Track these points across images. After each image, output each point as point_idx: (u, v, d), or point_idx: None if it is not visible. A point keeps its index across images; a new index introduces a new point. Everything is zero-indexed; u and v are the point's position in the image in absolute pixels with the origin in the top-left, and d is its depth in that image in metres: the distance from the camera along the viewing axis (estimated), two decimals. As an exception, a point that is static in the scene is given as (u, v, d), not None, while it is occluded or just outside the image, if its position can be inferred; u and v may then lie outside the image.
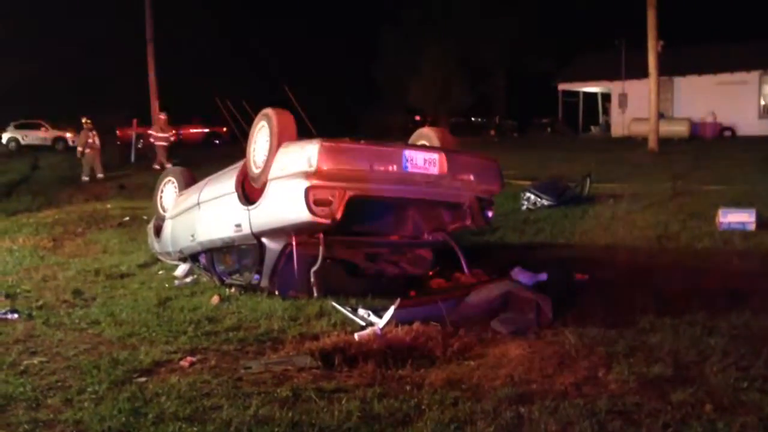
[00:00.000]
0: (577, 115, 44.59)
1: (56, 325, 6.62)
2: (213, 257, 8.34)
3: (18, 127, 41.51)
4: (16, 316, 6.92)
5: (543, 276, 7.29)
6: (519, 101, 47.72)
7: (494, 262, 8.19)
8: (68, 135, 41.49)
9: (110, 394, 4.69)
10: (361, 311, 6.34)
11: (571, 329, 5.75)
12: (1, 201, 18.78)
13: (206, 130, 40.11)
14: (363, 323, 6.08)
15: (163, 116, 26.12)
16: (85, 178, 22.96)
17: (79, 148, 23.28)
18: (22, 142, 40.80)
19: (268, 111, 7.40)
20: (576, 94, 44.32)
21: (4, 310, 7.05)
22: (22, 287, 8.38)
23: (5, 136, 41.23)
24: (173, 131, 26.75)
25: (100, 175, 23.20)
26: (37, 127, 41.69)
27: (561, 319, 6.06)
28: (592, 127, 43.64)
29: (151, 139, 25.74)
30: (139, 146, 30.55)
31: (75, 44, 45.56)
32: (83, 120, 23.75)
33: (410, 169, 6.96)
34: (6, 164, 29.74)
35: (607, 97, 42.95)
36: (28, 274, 9.27)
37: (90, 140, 23.00)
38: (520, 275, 7.27)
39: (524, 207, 12.39)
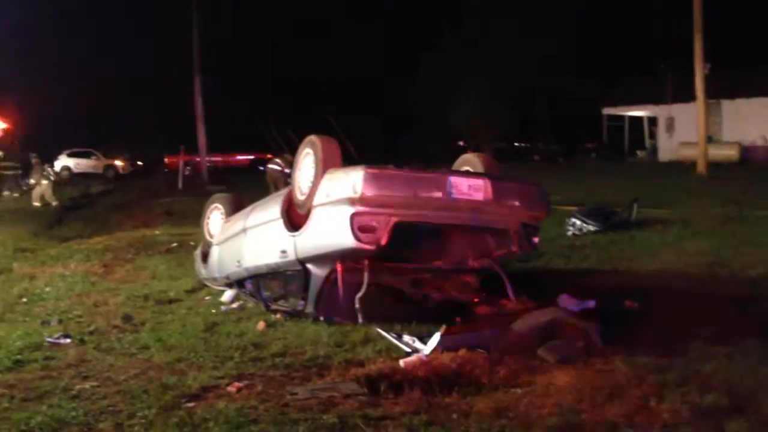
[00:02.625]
0: (623, 139, 44.13)
1: (107, 350, 6.74)
2: (259, 283, 8.42)
3: (70, 156, 42.70)
4: (68, 340, 7.06)
5: (591, 303, 7.19)
6: (563, 126, 47.42)
7: (540, 289, 8.10)
8: (118, 163, 42.53)
9: (160, 419, 4.75)
10: (406, 338, 6.33)
11: (621, 357, 5.65)
12: (54, 228, 19.25)
13: (251, 157, 40.70)
14: (408, 350, 6.06)
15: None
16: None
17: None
18: (75, 170, 41.90)
19: (313, 138, 7.50)
20: (621, 118, 43.91)
21: (56, 335, 7.19)
22: (74, 312, 8.54)
23: (58, 165, 42.35)
24: None
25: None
26: (88, 155, 42.86)
27: (610, 347, 5.96)
28: (638, 152, 43.14)
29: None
30: (186, 173, 31.12)
31: (125, 75, 46.79)
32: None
33: (455, 196, 6.96)
34: (59, 192, 30.48)
35: (653, 121, 42.47)
36: (79, 299, 9.44)
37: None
38: (566, 302, 7.18)
39: (570, 233, 12.26)
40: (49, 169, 28.31)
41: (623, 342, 6.05)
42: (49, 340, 7.05)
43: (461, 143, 46.81)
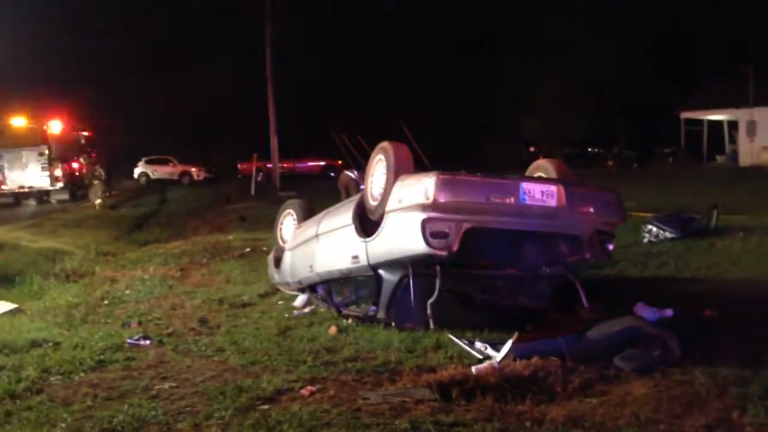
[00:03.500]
0: (701, 144, 42.86)
1: (184, 351, 6.93)
2: (331, 288, 8.50)
3: (148, 162, 44.07)
4: (148, 342, 7.29)
5: (668, 312, 7.01)
6: (639, 131, 46.32)
7: (615, 297, 7.94)
8: (194, 169, 43.65)
9: (236, 420, 4.85)
10: (478, 344, 6.29)
11: (700, 368, 5.48)
12: (134, 232, 19.90)
13: (322, 163, 41.16)
14: (480, 356, 6.03)
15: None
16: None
17: None
18: (152, 177, 43.22)
19: (386, 144, 7.54)
20: (700, 122, 42.65)
21: (136, 337, 7.43)
22: (153, 315, 8.81)
23: (137, 171, 43.79)
24: None
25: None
26: (165, 162, 44.16)
27: (689, 357, 5.79)
28: (718, 157, 41.81)
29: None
30: (259, 179, 31.67)
31: (198, 82, 47.97)
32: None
33: (527, 202, 6.91)
34: (138, 198, 31.51)
35: (733, 125, 41.12)
36: (158, 302, 9.72)
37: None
38: (643, 310, 7.02)
39: (646, 240, 11.96)
40: (100, 170, 29.31)
41: (702, 352, 5.87)
42: (130, 341, 7.29)
43: (533, 149, 46.27)
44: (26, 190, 28.34)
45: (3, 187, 28.11)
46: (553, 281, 7.77)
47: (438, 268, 6.97)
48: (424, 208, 6.69)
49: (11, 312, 9.04)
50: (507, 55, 44.61)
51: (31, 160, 28.10)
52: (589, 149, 49.97)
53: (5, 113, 29.00)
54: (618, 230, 8.21)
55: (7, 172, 28.07)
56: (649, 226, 12.12)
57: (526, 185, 6.95)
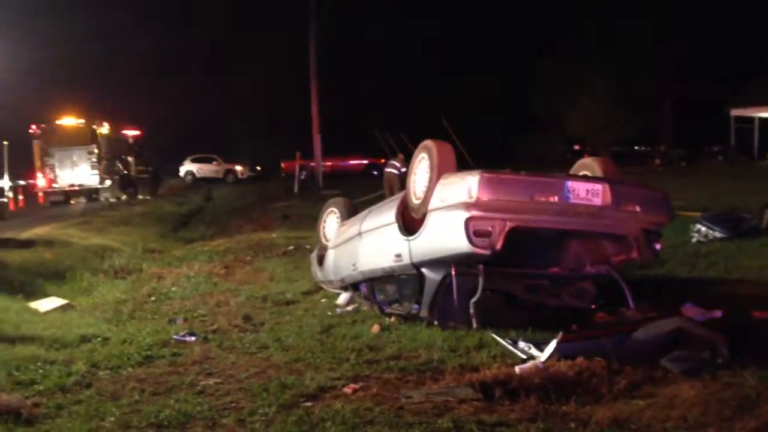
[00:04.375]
0: (752, 141, 41.83)
1: (229, 348, 7.01)
2: (374, 286, 8.51)
3: (194, 161, 44.66)
4: (193, 338, 7.39)
5: (717, 313, 6.87)
6: (687, 128, 45.36)
7: (662, 297, 7.80)
8: (238, 168, 44.14)
9: (279, 417, 4.89)
10: (522, 344, 6.23)
11: (750, 370, 5.34)
12: (180, 230, 20.20)
13: (366, 162, 41.22)
14: (524, 356, 5.97)
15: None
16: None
17: None
18: (198, 175, 43.81)
19: (428, 143, 7.53)
20: (750, 119, 41.64)
21: (182, 333, 7.54)
22: (198, 311, 8.94)
23: (183, 170, 44.41)
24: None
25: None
26: (210, 161, 44.69)
27: (738, 359, 5.66)
28: (769, 155, 40.74)
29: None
30: (302, 178, 31.86)
31: (244, 82, 48.47)
32: None
33: (572, 200, 6.84)
34: (183, 196, 31.97)
35: (786, 122, 40.03)
36: (203, 299, 9.86)
37: None
38: (691, 311, 6.88)
39: (694, 239, 11.73)
40: (120, 165, 29.77)
41: (752, 354, 5.72)
42: (176, 337, 7.41)
43: (578, 147, 45.68)
44: (76, 188, 28.96)
45: (54, 185, 28.77)
46: (598, 281, 7.68)
47: (481, 267, 6.94)
48: (467, 206, 6.67)
49: (62, 308, 9.24)
50: (551, 53, 44.15)
51: (81, 159, 28.71)
52: (636, 147, 49.10)
53: (56, 113, 29.68)
54: (665, 230, 8.07)
55: (58, 171, 28.72)
56: (698, 226, 11.88)
57: (570, 184, 6.88)
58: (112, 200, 27.27)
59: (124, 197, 29.04)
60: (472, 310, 6.97)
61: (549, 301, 7.51)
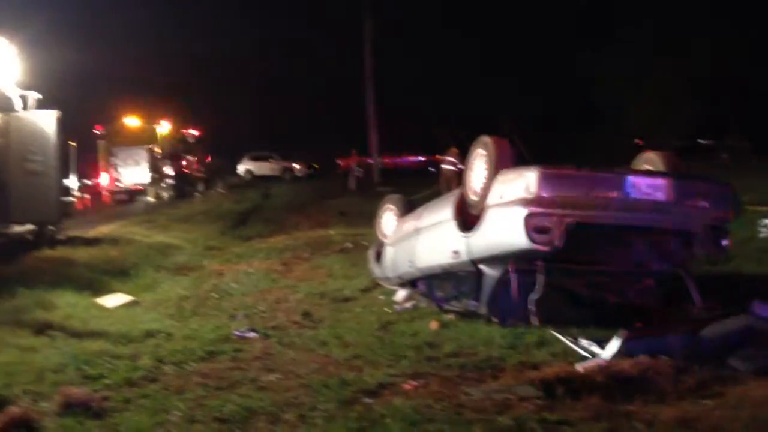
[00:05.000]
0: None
1: (289, 344, 7.09)
2: (431, 283, 8.50)
3: (252, 159, 45.26)
4: (254, 334, 7.49)
5: (788, 311, 6.64)
6: (757, 121, 43.90)
7: (730, 294, 7.58)
8: (295, 166, 44.58)
9: (340, 413, 4.91)
10: (584, 342, 6.14)
11: (823, 370, 5.17)
12: (238, 227, 20.49)
13: (422, 158, 41.16)
14: (586, 354, 5.89)
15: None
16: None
17: None
18: (256, 173, 44.39)
19: (486, 139, 7.49)
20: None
21: (243, 329, 7.66)
22: (258, 308, 9.06)
23: (241, 168, 45.04)
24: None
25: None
26: (268, 159, 45.20)
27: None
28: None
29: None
30: (359, 175, 32.00)
31: (301, 80, 48.92)
32: None
33: (634, 196, 6.72)
34: (242, 194, 32.42)
35: None
36: (262, 295, 9.98)
37: None
38: (760, 309, 6.67)
39: (763, 235, 11.37)
40: (160, 164, 30.13)
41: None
42: (237, 333, 7.52)
43: (639, 141, 44.71)
44: (139, 186, 29.67)
45: (118, 184, 29.52)
46: (662, 277, 7.51)
47: (541, 263, 6.86)
48: (526, 202, 6.61)
49: (128, 304, 9.48)
50: (610, 45, 43.30)
51: (144, 158, 29.39)
52: (701, 141, 47.79)
53: (119, 114, 30.45)
54: (733, 225, 7.84)
55: (121, 170, 29.46)
56: (766, 221, 11.53)
57: (632, 179, 6.77)
58: (151, 200, 27.86)
59: (166, 196, 29.51)
60: (531, 307, 6.90)
61: (611, 298, 7.37)
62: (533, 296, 6.90)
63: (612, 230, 7.07)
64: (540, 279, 6.87)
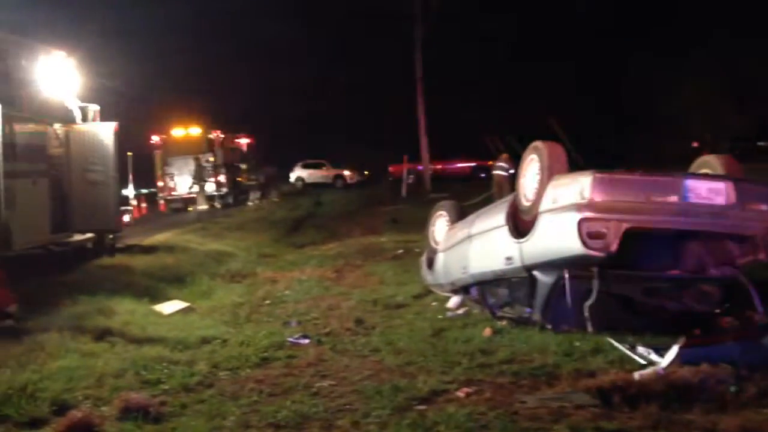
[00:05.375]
0: None
1: (342, 351, 7.12)
2: (484, 290, 8.44)
3: (304, 167, 45.67)
4: (307, 341, 7.55)
5: None
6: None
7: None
8: (346, 173, 44.83)
9: (393, 420, 4.92)
10: (641, 349, 6.03)
11: None
12: (291, 235, 20.69)
13: (473, 164, 40.97)
14: (643, 362, 5.78)
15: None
16: None
17: None
18: (307, 181, 44.76)
19: (538, 144, 7.43)
20: None
21: (297, 336, 7.72)
22: (311, 315, 9.12)
23: (293, 175, 45.48)
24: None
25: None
26: (319, 166, 45.56)
27: None
28: None
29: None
30: (410, 181, 31.99)
31: (352, 87, 49.18)
32: None
33: (692, 200, 6.59)
34: (294, 201, 32.74)
35: None
36: (315, 302, 10.05)
37: None
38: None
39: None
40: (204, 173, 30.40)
41: None
42: (291, 339, 7.59)
43: (696, 144, 43.75)
44: (194, 195, 30.17)
45: (173, 193, 30.07)
46: (722, 283, 7.32)
47: (596, 269, 6.76)
48: (580, 208, 6.54)
49: (183, 310, 9.63)
50: (663, 47, 42.50)
51: (198, 167, 29.86)
52: (760, 143, 46.50)
53: (175, 123, 31.04)
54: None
55: (176, 179, 30.00)
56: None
57: (690, 183, 6.64)
58: (200, 208, 28.30)
59: (219, 204, 29.90)
60: (586, 314, 6.80)
61: (669, 304, 7.20)
62: (588, 303, 6.80)
63: (669, 235, 6.93)
64: (595, 285, 6.77)
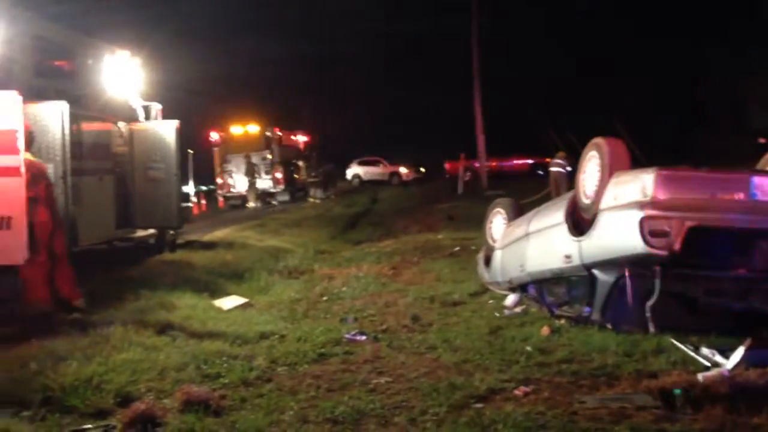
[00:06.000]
0: None
1: (398, 348, 7.12)
2: (542, 288, 8.35)
3: (360, 164, 45.91)
4: (364, 337, 7.58)
5: None
6: None
7: None
8: (402, 170, 44.87)
9: (450, 417, 4.91)
10: (705, 350, 5.89)
11: None
12: (348, 232, 20.80)
13: (530, 161, 40.59)
14: (707, 363, 5.64)
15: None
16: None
17: None
18: (363, 178, 44.97)
19: (599, 140, 7.31)
20: None
21: (354, 332, 7.75)
22: (368, 311, 9.15)
23: (350, 172, 45.76)
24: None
25: None
26: (376, 163, 45.75)
27: None
28: None
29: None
30: (466, 178, 31.87)
31: (408, 84, 49.20)
32: None
33: (760, 197, 6.42)
34: (351, 198, 32.93)
35: None
36: (372, 299, 10.08)
37: None
38: None
39: None
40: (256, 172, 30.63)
41: None
42: (347, 336, 7.62)
43: (763, 140, 42.45)
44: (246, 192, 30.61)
45: (231, 189, 30.56)
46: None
47: (658, 268, 6.62)
48: (642, 205, 6.42)
49: (242, 306, 9.77)
50: (723, 42, 41.33)
51: (256, 164, 30.30)
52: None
53: (233, 121, 31.53)
54: None
55: (235, 176, 30.48)
56: None
57: (757, 179, 6.47)
58: (251, 205, 28.58)
59: (275, 202, 30.25)
60: (648, 314, 6.66)
61: (735, 304, 7.01)
62: (650, 302, 6.66)
63: (734, 233, 6.74)
64: (657, 284, 6.63)
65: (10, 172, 7.81)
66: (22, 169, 7.84)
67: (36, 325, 7.31)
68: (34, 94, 9.55)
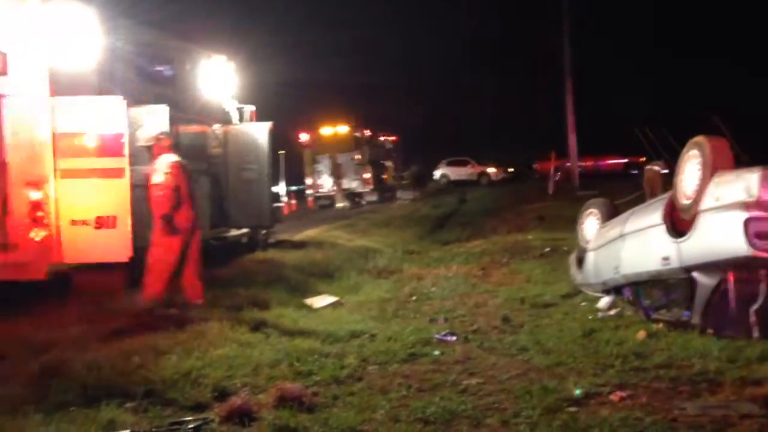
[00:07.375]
0: None
1: (489, 349, 7.07)
2: (638, 290, 8.12)
3: (448, 164, 45.77)
4: (454, 338, 7.55)
5: None
6: None
7: None
8: (490, 170, 44.50)
9: (543, 420, 4.83)
10: (814, 358, 5.60)
11: None
12: (436, 232, 20.78)
13: (625, 161, 39.54)
14: (818, 372, 5.36)
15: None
16: None
17: None
18: (451, 178, 44.82)
19: (700, 139, 7.07)
20: None
21: (444, 333, 7.74)
22: (458, 312, 9.11)
23: (438, 173, 45.68)
24: None
25: None
26: (464, 163, 45.53)
27: None
28: None
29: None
30: (557, 178, 31.31)
31: (496, 83, 48.79)
32: None
33: None
34: (439, 198, 32.86)
35: None
36: (461, 299, 10.04)
37: None
38: None
39: None
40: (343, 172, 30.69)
41: None
42: (438, 336, 7.61)
43: None
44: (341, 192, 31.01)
45: (321, 190, 31.03)
46: None
47: (764, 271, 6.33)
48: (746, 206, 6.17)
49: (333, 305, 9.90)
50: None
51: (346, 164, 30.67)
52: None
53: (323, 122, 31.99)
54: None
55: (324, 177, 30.93)
56: None
57: None
58: (338, 205, 28.78)
59: (363, 202, 30.48)
60: (752, 319, 6.39)
61: None
62: (754, 307, 6.39)
63: None
64: (762, 288, 6.35)
65: (116, 173, 8.17)
66: (127, 171, 8.17)
67: (139, 319, 7.61)
68: (135, 98, 9.94)
